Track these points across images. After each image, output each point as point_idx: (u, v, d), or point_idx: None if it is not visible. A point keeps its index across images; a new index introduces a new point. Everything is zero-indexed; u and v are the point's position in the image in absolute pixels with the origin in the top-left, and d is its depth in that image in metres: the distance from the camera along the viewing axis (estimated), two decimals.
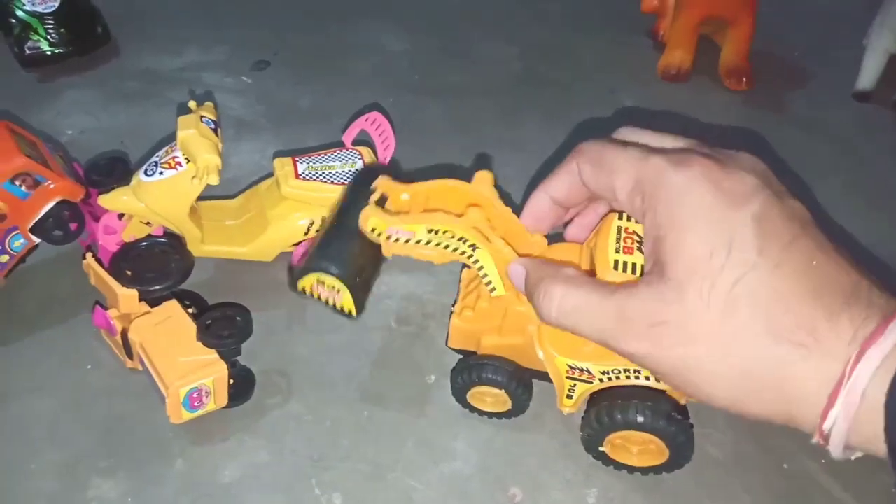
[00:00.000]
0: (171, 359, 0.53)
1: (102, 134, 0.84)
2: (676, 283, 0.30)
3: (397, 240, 0.47)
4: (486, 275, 0.47)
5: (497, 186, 0.48)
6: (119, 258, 0.57)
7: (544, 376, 0.51)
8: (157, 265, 0.56)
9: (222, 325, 0.54)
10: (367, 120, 0.65)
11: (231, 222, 0.65)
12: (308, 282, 0.51)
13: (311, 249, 0.52)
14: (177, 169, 0.57)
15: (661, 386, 0.46)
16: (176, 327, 0.55)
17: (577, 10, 1.03)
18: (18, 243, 0.59)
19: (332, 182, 0.61)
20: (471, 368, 0.53)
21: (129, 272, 0.56)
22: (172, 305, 0.56)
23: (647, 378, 0.46)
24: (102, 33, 0.94)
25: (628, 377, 0.45)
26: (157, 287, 0.55)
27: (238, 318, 0.55)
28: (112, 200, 0.58)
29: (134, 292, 0.54)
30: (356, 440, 0.56)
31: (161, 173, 0.57)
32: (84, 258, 0.59)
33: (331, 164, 0.62)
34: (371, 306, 0.65)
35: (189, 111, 0.59)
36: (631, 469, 0.52)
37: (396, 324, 0.64)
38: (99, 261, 0.57)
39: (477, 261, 0.46)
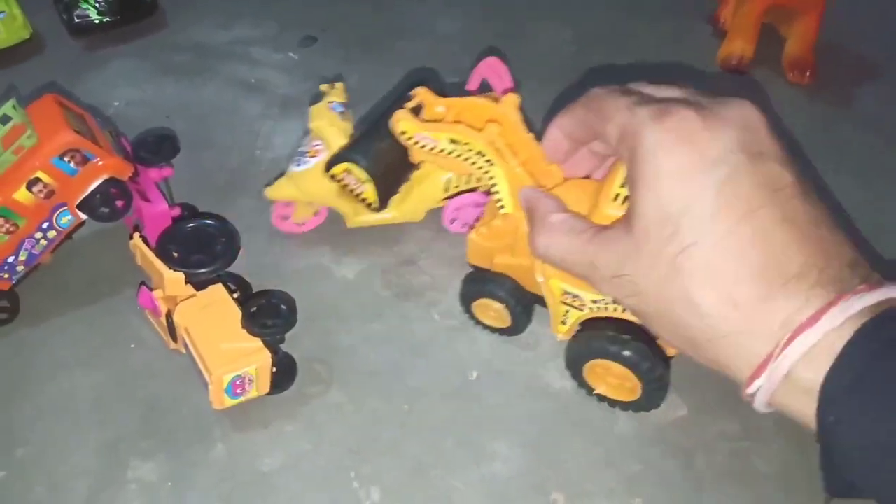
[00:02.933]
0: (216, 344, 0.52)
1: (148, 107, 0.83)
2: (634, 240, 0.32)
3: (423, 146, 0.49)
4: (497, 192, 0.49)
5: (523, 112, 0.49)
6: (166, 239, 0.56)
7: (541, 300, 0.53)
8: (205, 247, 0.56)
9: (267, 313, 0.54)
10: (483, 65, 0.65)
11: None
12: (339, 169, 0.58)
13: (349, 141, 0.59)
14: (318, 157, 0.61)
15: None
16: (221, 312, 0.54)
17: None
18: (66, 220, 0.59)
19: None
20: (477, 280, 0.57)
21: (175, 254, 0.55)
22: (218, 289, 0.56)
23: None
24: (150, 3, 0.93)
25: (616, 309, 0.47)
26: (204, 270, 0.54)
27: (283, 307, 0.54)
28: (276, 191, 0.64)
29: (180, 275, 0.54)
30: (396, 434, 0.55)
31: (307, 162, 0.62)
32: (131, 237, 0.58)
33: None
34: (414, 297, 0.65)
35: (321, 96, 0.64)
36: (601, 398, 0.53)
37: (440, 317, 0.63)
38: (146, 240, 0.57)
39: (492, 176, 0.48)
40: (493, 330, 0.59)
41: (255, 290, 0.62)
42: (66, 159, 0.56)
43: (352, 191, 0.58)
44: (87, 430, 0.55)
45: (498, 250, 0.54)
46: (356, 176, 0.57)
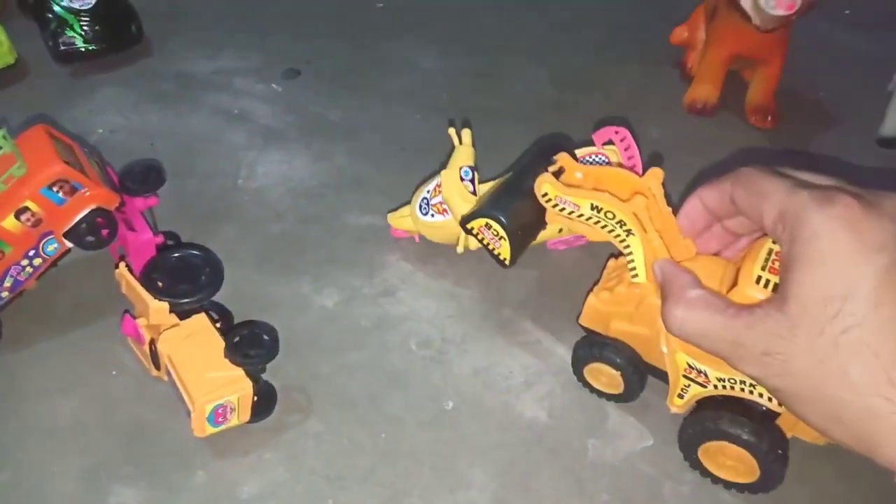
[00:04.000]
0: (198, 373, 0.54)
1: (133, 134, 0.85)
2: (790, 319, 0.32)
3: (563, 209, 0.52)
4: (632, 260, 0.50)
5: (664, 186, 0.51)
6: (151, 269, 0.57)
7: (660, 374, 0.54)
8: (189, 277, 0.57)
9: (250, 343, 0.55)
10: (615, 132, 0.69)
11: None
12: (478, 223, 0.61)
13: (487, 196, 0.62)
14: (444, 216, 0.67)
15: (773, 407, 0.48)
16: (204, 341, 0.56)
17: (608, 39, 1.04)
18: (52, 248, 0.60)
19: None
20: (594, 344, 0.57)
21: (160, 283, 0.56)
22: (201, 319, 0.57)
23: (760, 395, 0.47)
24: (136, 32, 0.95)
25: (743, 389, 0.47)
26: (188, 300, 0.55)
27: (265, 337, 0.56)
28: (398, 222, 0.70)
29: (165, 304, 0.55)
30: (373, 462, 0.57)
31: (433, 216, 0.67)
32: (116, 265, 0.59)
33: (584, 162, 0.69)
34: (392, 327, 0.67)
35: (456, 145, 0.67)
36: (715, 479, 0.51)
37: (417, 347, 0.65)
38: (130, 269, 0.58)
39: (628, 245, 0.50)
40: (603, 395, 0.59)
41: (236, 318, 0.63)
42: (54, 189, 0.57)
43: (486, 244, 0.61)
44: (68, 457, 0.56)
45: (616, 316, 0.54)
46: (494, 231, 0.60)
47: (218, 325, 0.58)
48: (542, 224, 0.58)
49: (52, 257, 0.61)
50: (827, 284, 0.31)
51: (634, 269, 0.51)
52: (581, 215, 0.51)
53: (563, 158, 0.55)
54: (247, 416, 0.56)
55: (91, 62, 0.92)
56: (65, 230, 0.60)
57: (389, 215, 0.71)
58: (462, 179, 0.65)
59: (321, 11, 1.06)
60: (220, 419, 0.54)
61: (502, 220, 0.59)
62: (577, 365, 0.60)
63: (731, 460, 0.50)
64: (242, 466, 0.56)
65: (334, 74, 0.95)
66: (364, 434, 0.59)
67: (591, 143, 0.69)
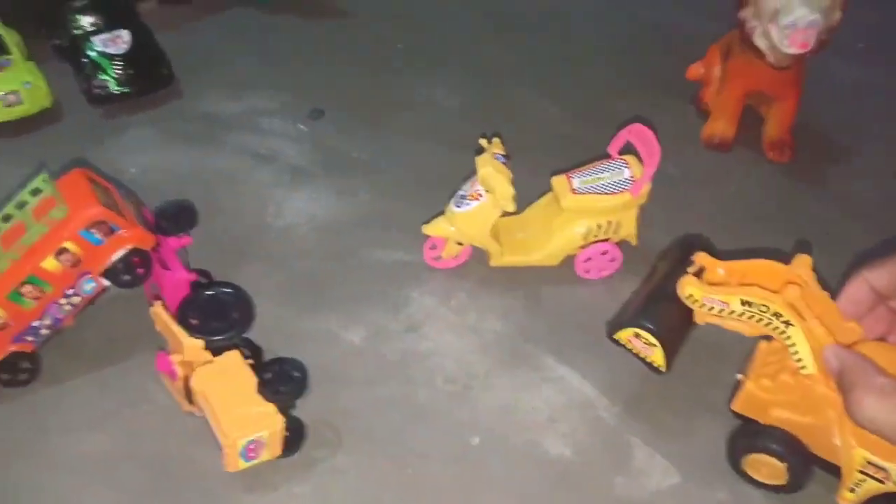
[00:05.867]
0: (231, 409, 0.55)
1: (163, 173, 0.87)
2: None
3: (711, 308, 0.52)
4: (796, 352, 0.50)
5: (815, 271, 0.51)
6: (185, 307, 0.59)
7: (823, 463, 0.52)
8: (221, 314, 0.59)
9: (281, 379, 0.56)
10: (629, 132, 0.72)
11: (521, 235, 0.75)
12: (625, 334, 0.61)
13: (631, 305, 0.63)
14: (479, 200, 0.69)
15: None
16: (236, 378, 0.57)
17: (621, 74, 1.06)
18: (90, 286, 0.62)
19: (604, 192, 0.71)
20: (757, 435, 0.54)
21: (194, 321, 0.58)
22: (234, 355, 0.58)
23: None
24: (167, 75, 0.98)
25: None
26: (221, 337, 0.57)
27: (296, 374, 0.57)
28: (434, 228, 0.72)
29: (199, 341, 0.57)
30: (399, 497, 0.58)
31: (468, 204, 0.69)
32: (149, 303, 0.61)
33: (600, 175, 0.72)
34: (418, 362, 0.68)
35: (482, 150, 0.71)
36: None
37: (442, 382, 0.66)
38: (166, 307, 0.60)
39: (789, 337, 0.49)
40: (762, 486, 0.55)
41: (265, 353, 0.65)
42: (93, 231, 0.59)
43: (636, 353, 0.61)
44: (98, 491, 0.57)
45: (778, 404, 0.53)
46: (644, 340, 0.60)
47: (249, 361, 0.59)
48: (691, 324, 0.57)
49: (89, 296, 0.63)
50: None
51: (801, 360, 0.49)
52: (732, 312, 0.51)
53: (701, 258, 0.55)
54: (277, 451, 0.57)
55: (123, 103, 0.95)
56: (102, 269, 0.62)
57: (424, 226, 0.73)
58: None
59: (343, 52, 1.09)
60: (251, 454, 0.55)
61: (651, 327, 0.59)
62: (735, 455, 0.56)
63: None
64: (272, 502, 0.57)
65: (357, 113, 0.98)
66: (391, 469, 0.59)
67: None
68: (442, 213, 0.73)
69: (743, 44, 0.86)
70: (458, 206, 0.70)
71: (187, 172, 0.87)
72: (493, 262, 0.73)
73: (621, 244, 0.74)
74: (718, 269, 0.55)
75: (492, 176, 0.68)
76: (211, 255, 0.75)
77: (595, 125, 0.97)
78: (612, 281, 0.74)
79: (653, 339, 0.59)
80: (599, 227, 0.71)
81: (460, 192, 0.72)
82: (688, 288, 0.52)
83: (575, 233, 0.72)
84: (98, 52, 0.94)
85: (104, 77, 0.94)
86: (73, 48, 0.96)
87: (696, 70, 0.98)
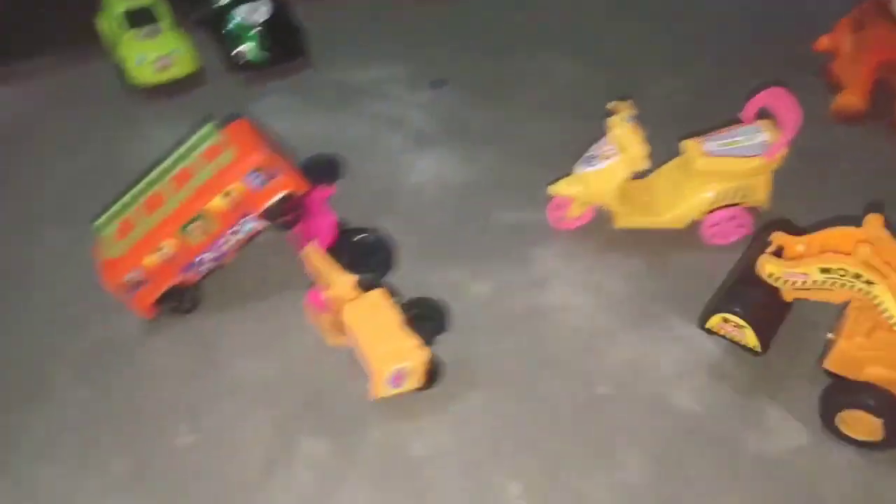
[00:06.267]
0: (379, 340, 0.59)
1: (303, 137, 0.92)
2: None
3: (793, 283, 0.55)
4: (885, 309, 0.52)
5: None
6: (336, 247, 0.64)
7: None
8: (368, 256, 0.63)
9: (424, 317, 0.60)
10: (768, 95, 0.73)
11: (647, 198, 0.78)
12: (715, 321, 0.62)
13: (717, 293, 0.64)
14: (610, 159, 0.72)
15: None
16: (383, 313, 0.61)
17: (744, 47, 1.04)
18: (250, 226, 0.68)
19: (738, 156, 0.72)
20: (852, 391, 0.56)
21: (343, 260, 0.62)
22: (380, 293, 0.63)
23: None
24: (301, 45, 1.04)
25: None
26: (369, 275, 0.61)
27: (438, 312, 0.61)
28: (560, 187, 0.75)
29: (352, 278, 0.61)
30: (532, 436, 0.60)
31: (599, 164, 0.72)
32: (301, 247, 0.66)
33: (735, 139, 0.74)
34: (544, 316, 0.70)
35: (611, 113, 0.75)
36: None
37: (569, 335, 0.68)
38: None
39: (876, 296, 0.52)
40: (856, 443, 0.57)
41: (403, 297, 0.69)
42: (256, 174, 0.65)
43: (730, 338, 0.63)
44: (259, 409, 0.63)
45: (872, 361, 0.55)
46: (734, 323, 0.62)
47: (395, 299, 0.63)
48: (783, 304, 0.60)
49: (249, 234, 0.69)
50: None
51: (892, 316, 0.52)
52: (814, 282, 0.54)
53: (778, 237, 0.58)
54: (420, 382, 0.60)
55: (260, 71, 1.02)
56: (262, 210, 0.67)
57: (550, 186, 0.75)
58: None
59: (465, 25, 1.12)
60: (397, 382, 0.59)
61: (737, 310, 0.61)
62: (829, 411, 0.58)
63: None
64: (413, 430, 0.61)
65: (478, 84, 1.01)
66: (522, 410, 0.62)
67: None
68: (566, 175, 0.75)
69: (878, 13, 0.84)
70: (590, 165, 0.73)
71: (324, 136, 0.93)
72: (619, 224, 0.75)
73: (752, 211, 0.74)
74: (798, 245, 0.57)
75: (625, 136, 0.70)
76: (347, 211, 0.80)
77: (719, 98, 0.97)
78: (739, 245, 0.74)
79: (741, 321, 0.60)
80: (730, 191, 0.71)
81: (589, 154, 0.74)
82: (767, 267, 0.54)
83: (705, 196, 0.72)
84: (238, 22, 1.01)
85: (244, 46, 1.00)
86: (216, 19, 1.03)
87: (825, 42, 0.96)
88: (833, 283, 0.52)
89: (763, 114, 0.74)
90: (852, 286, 0.51)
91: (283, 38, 1.03)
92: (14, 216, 0.84)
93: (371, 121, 0.96)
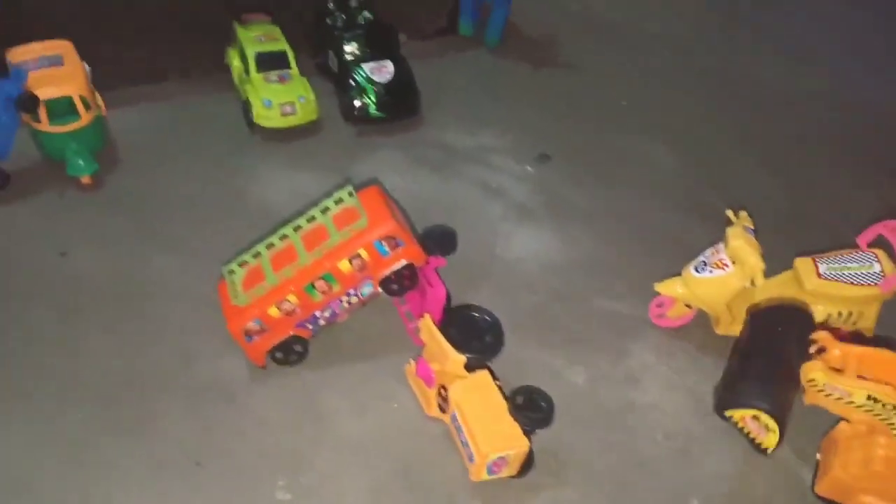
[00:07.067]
0: (485, 425, 0.61)
1: (409, 194, 0.95)
2: None
3: (829, 395, 0.56)
4: None
5: None
6: (447, 322, 0.67)
7: None
8: (476, 336, 0.66)
9: (529, 405, 0.62)
10: (885, 226, 0.75)
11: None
12: (741, 413, 0.63)
13: (739, 376, 0.65)
14: (724, 269, 0.73)
15: None
16: (488, 396, 0.63)
17: (846, 156, 1.05)
18: (367, 290, 0.71)
19: (850, 282, 0.73)
20: None
21: (454, 337, 0.65)
22: (486, 375, 0.65)
23: None
24: (416, 106, 1.09)
25: None
26: (479, 357, 0.63)
27: (543, 404, 0.62)
28: (666, 287, 0.76)
29: (463, 357, 0.64)
30: None
31: (710, 271, 0.74)
32: (419, 317, 0.69)
33: (848, 265, 0.75)
34: (638, 414, 0.71)
35: (731, 223, 0.75)
36: None
37: (663, 438, 0.69)
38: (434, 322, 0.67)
39: None
40: None
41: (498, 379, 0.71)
42: (383, 243, 0.68)
43: (747, 434, 0.64)
44: (355, 471, 0.65)
45: (865, 491, 0.56)
46: (763, 423, 0.62)
47: (497, 382, 0.65)
48: (794, 395, 0.62)
49: (364, 298, 0.72)
50: None
51: None
52: (851, 402, 0.54)
53: (823, 338, 0.58)
54: (515, 470, 0.62)
55: (375, 125, 1.06)
56: (381, 277, 0.70)
57: (657, 284, 0.76)
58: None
59: (570, 102, 1.15)
60: (496, 469, 0.61)
61: (777, 415, 0.60)
62: None
63: None
64: None
65: (581, 162, 1.03)
66: None
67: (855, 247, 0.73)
68: (674, 274, 0.76)
69: None
70: (700, 272, 0.73)
71: (429, 196, 0.96)
72: (720, 331, 0.76)
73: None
74: (835, 349, 0.57)
75: (744, 249, 0.70)
76: (445, 277, 0.83)
77: (818, 205, 0.97)
78: None
79: (773, 425, 0.60)
80: (840, 314, 0.72)
81: (702, 258, 0.75)
82: (813, 374, 0.54)
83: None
84: (365, 77, 1.06)
85: (366, 100, 1.05)
86: (342, 70, 1.08)
87: None
88: (868, 410, 0.53)
89: (877, 242, 0.74)
90: (886, 418, 0.53)
91: (402, 97, 1.07)
92: (130, 237, 0.86)
93: (474, 187, 0.98)
